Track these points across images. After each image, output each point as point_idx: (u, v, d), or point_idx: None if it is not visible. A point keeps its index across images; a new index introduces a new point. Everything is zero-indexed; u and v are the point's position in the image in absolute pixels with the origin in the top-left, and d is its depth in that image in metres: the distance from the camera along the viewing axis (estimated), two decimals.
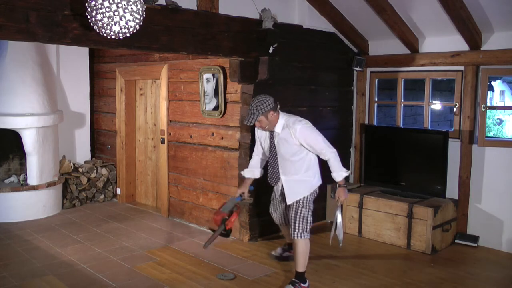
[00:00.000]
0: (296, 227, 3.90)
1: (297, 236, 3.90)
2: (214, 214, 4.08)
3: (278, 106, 3.95)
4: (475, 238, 5.11)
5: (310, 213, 3.96)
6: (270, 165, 4.12)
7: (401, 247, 5.04)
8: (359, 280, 4.22)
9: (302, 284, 3.93)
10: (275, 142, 3.98)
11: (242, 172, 4.38)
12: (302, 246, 3.92)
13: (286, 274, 4.31)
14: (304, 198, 3.95)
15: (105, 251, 4.87)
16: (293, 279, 3.96)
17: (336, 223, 4.08)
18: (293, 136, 3.85)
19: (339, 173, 3.90)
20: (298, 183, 3.97)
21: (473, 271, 4.48)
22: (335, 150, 3.91)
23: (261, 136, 4.18)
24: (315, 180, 4.03)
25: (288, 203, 4.00)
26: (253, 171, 4.27)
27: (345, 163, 6.11)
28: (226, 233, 3.97)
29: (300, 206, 3.92)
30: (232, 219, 3.98)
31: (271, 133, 4.01)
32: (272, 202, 4.43)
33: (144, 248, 4.96)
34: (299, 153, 3.93)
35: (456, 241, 5.18)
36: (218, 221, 3.96)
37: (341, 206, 4.09)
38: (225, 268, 4.43)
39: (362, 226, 5.35)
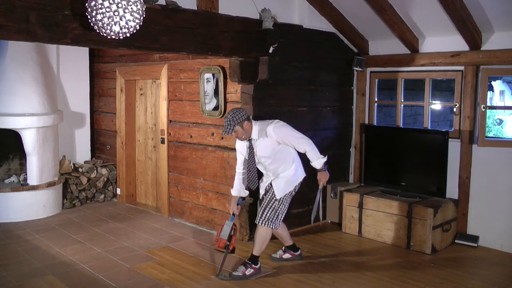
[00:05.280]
0: (263, 215, 4.17)
1: (261, 223, 4.18)
2: (216, 241, 4.36)
3: (251, 116, 4.33)
4: (475, 238, 5.11)
5: (281, 208, 4.21)
6: (249, 170, 4.28)
7: (401, 247, 5.04)
8: (359, 280, 4.22)
9: (253, 265, 4.21)
10: (254, 150, 4.22)
11: (231, 191, 4.47)
12: (263, 233, 4.20)
13: (286, 274, 4.31)
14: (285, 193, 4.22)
15: (105, 251, 4.87)
16: (246, 261, 4.25)
17: (316, 203, 4.35)
18: (270, 137, 4.12)
19: (317, 161, 4.16)
20: (283, 179, 4.21)
21: (473, 271, 4.49)
22: (309, 140, 4.18)
23: (241, 148, 4.33)
24: (299, 173, 4.28)
25: (278, 197, 4.19)
26: (239, 191, 4.41)
27: (345, 163, 6.16)
28: (231, 251, 4.34)
29: (274, 198, 4.18)
30: (233, 241, 4.28)
31: (249, 141, 4.22)
32: (260, 206, 4.43)
33: (144, 248, 4.96)
34: (281, 151, 4.18)
35: (456, 241, 5.17)
36: (221, 247, 4.28)
37: (321, 189, 4.32)
38: (225, 268, 4.43)
39: (362, 226, 5.35)
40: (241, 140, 4.19)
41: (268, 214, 4.16)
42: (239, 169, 4.38)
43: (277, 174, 4.21)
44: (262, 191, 4.39)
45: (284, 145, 4.17)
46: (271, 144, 4.14)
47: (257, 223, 4.21)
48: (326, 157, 4.18)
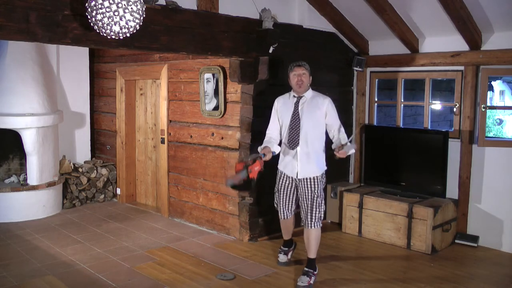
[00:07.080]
0: (313, 217, 4.06)
1: (313, 226, 4.06)
2: (236, 164, 3.90)
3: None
4: (475, 238, 5.11)
5: (323, 201, 4.15)
6: (291, 129, 4.11)
7: (401, 247, 5.04)
8: (359, 280, 4.22)
9: (314, 272, 4.06)
10: (299, 109, 4.11)
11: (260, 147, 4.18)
12: (317, 234, 4.10)
13: (286, 274, 4.31)
14: (316, 181, 4.06)
15: (105, 251, 4.87)
16: (306, 269, 4.07)
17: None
18: (322, 105, 4.09)
19: (349, 141, 4.00)
20: (311, 159, 4.07)
21: (473, 271, 4.49)
22: None
23: (280, 109, 4.23)
24: (324, 163, 4.18)
25: (300, 177, 4.08)
26: (270, 142, 4.16)
27: (345, 163, 6.16)
28: (249, 182, 3.73)
29: (316, 196, 4.06)
30: (255, 167, 3.74)
31: (297, 100, 4.13)
32: (277, 192, 4.30)
33: (144, 248, 4.96)
34: (319, 125, 4.10)
35: (456, 241, 5.17)
36: (239, 167, 3.74)
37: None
38: (225, 268, 4.43)
39: (362, 226, 5.35)
40: (300, 86, 4.07)
41: (317, 215, 4.06)
42: (269, 131, 4.26)
43: (306, 146, 4.04)
44: (288, 172, 4.15)
45: (323, 125, 4.10)
46: (319, 111, 4.07)
47: (308, 228, 4.07)
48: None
